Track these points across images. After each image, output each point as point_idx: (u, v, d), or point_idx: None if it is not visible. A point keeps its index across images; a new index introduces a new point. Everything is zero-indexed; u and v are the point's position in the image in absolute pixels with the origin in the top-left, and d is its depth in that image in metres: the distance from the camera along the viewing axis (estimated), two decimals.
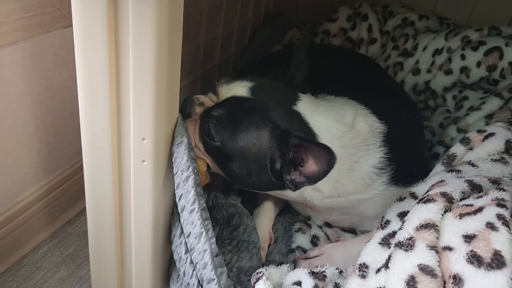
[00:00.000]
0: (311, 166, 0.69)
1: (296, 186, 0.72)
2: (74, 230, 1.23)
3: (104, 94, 0.67)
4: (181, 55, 0.98)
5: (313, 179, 0.70)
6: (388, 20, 1.42)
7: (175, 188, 0.67)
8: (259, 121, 0.74)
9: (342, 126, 0.79)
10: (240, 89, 0.79)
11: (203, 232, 0.62)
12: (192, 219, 0.63)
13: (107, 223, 0.79)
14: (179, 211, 0.67)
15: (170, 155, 0.70)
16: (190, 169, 0.65)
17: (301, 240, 0.87)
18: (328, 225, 0.92)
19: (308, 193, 0.80)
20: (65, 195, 1.25)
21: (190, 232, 0.64)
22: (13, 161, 1.06)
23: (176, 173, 0.67)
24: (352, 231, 0.92)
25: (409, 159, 0.90)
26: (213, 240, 0.63)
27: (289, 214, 0.97)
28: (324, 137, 0.77)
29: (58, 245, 1.18)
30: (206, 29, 1.12)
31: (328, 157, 0.66)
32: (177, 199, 0.67)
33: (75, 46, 0.67)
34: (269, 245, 0.87)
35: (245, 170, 0.76)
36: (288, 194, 0.81)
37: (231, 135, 0.75)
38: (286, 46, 1.48)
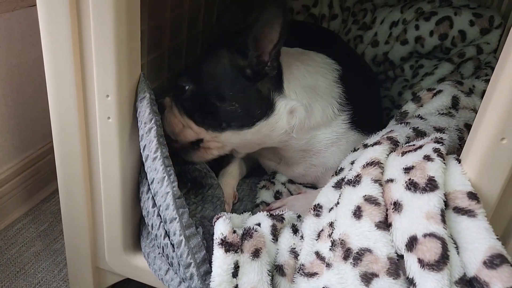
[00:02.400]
0: (270, 34, 0.77)
1: (273, 67, 0.81)
2: (49, 208, 1.26)
3: (68, 55, 0.70)
4: (147, 29, 1.01)
5: (282, 35, 0.77)
6: None
7: (140, 140, 0.71)
8: (214, 49, 0.86)
9: (293, 51, 0.90)
10: None
11: (165, 176, 0.66)
12: (155, 165, 0.67)
13: (77, 183, 0.82)
14: (143, 161, 0.71)
15: (135, 111, 0.74)
16: (153, 121, 0.69)
17: (265, 195, 0.92)
18: (291, 181, 0.97)
19: (289, 121, 0.85)
20: (39, 174, 1.27)
21: (154, 178, 0.68)
22: None
23: (140, 126, 0.71)
24: (313, 187, 0.97)
25: (367, 108, 0.98)
26: (175, 184, 0.67)
27: (255, 176, 1.02)
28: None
29: (32, 221, 1.20)
30: (171, 5, 1.15)
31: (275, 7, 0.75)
32: (141, 151, 0.71)
33: (38, 10, 0.69)
34: (234, 203, 0.92)
35: (227, 95, 0.81)
36: (277, 128, 0.85)
37: (196, 70, 0.84)
38: None
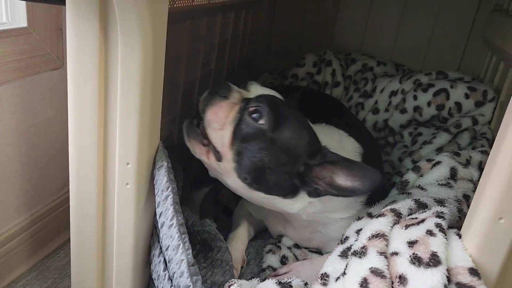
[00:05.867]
0: (345, 181, 0.78)
1: (319, 195, 0.82)
2: (53, 263, 1.26)
3: (93, 124, 0.75)
4: (162, 93, 1.07)
5: (351, 192, 0.78)
6: (350, 66, 1.58)
7: (156, 207, 0.75)
8: (307, 124, 0.86)
9: (334, 143, 0.91)
10: (274, 93, 0.89)
11: (180, 244, 0.69)
12: (171, 233, 0.70)
13: (91, 243, 0.84)
14: (159, 227, 0.74)
15: (152, 178, 0.78)
16: (169, 189, 0.73)
17: (271, 260, 0.94)
18: (297, 246, 0.99)
19: (304, 207, 0.86)
20: (45, 230, 1.28)
21: (169, 245, 0.70)
22: None
23: (157, 193, 0.75)
24: (319, 252, 0.99)
25: None
26: (190, 251, 0.69)
27: (261, 239, 1.05)
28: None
29: (37, 277, 1.20)
30: (185, 72, 1.22)
31: (375, 178, 0.77)
32: (157, 217, 0.74)
33: (68, 79, 0.75)
34: (242, 266, 0.94)
35: (272, 162, 0.79)
36: (287, 206, 0.86)
37: (281, 121, 0.80)
38: None
